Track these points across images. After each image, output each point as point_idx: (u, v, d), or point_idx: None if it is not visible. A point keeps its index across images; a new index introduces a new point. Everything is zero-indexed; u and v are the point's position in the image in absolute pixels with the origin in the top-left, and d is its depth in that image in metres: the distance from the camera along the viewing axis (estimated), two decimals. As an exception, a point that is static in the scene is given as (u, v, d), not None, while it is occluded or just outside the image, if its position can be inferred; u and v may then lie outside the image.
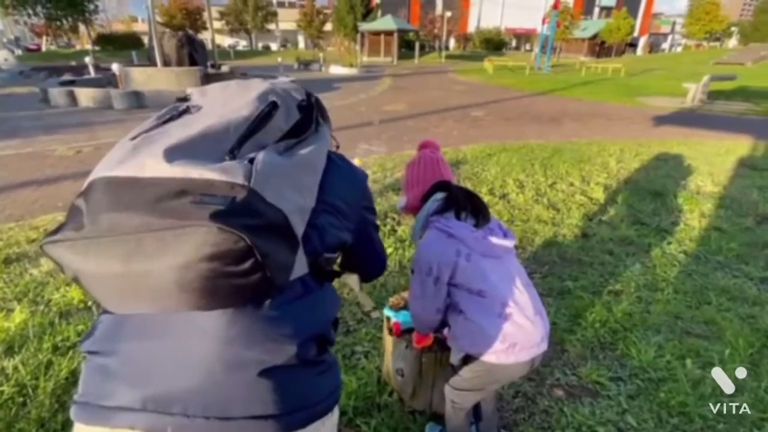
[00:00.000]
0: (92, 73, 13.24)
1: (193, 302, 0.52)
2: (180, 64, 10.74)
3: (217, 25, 35.35)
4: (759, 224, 3.51)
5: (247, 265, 0.49)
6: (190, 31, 15.45)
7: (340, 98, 10.85)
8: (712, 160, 5.43)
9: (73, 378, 1.78)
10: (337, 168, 0.75)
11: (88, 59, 14.28)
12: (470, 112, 9.04)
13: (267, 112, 0.62)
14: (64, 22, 33.84)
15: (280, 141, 0.62)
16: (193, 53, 10.99)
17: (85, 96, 9.03)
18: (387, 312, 1.69)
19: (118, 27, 50.84)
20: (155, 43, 10.21)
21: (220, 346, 0.58)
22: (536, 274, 2.68)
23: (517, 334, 1.12)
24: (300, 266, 0.61)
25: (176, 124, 0.61)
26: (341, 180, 0.75)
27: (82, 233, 0.49)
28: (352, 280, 0.89)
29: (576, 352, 2.02)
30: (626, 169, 4.96)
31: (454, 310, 1.20)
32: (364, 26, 30.96)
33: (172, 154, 0.52)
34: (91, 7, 33.59)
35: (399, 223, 3.31)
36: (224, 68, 12.82)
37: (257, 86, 0.68)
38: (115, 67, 10.16)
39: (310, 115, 0.70)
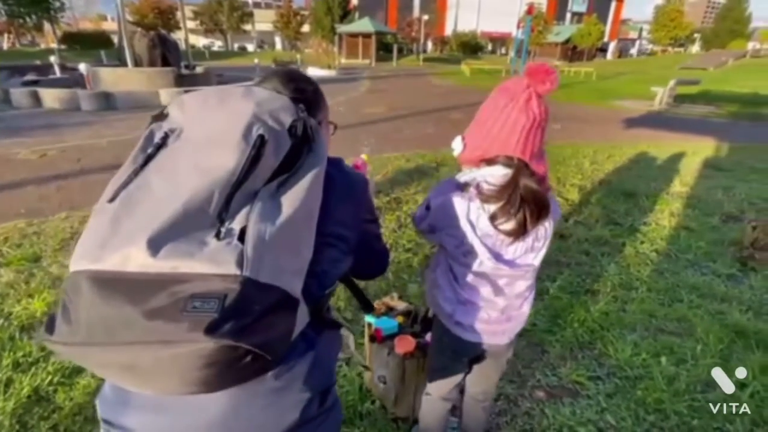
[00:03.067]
0: (58, 73, 12.70)
1: (194, 390, 0.52)
2: (152, 64, 10.41)
3: (190, 24, 34.61)
4: (725, 223, 3.65)
5: (246, 360, 0.49)
6: (163, 31, 14.99)
7: (319, 100, 10.71)
8: (680, 161, 5.65)
9: (35, 396, 1.68)
10: (334, 186, 0.70)
11: (53, 58, 13.72)
12: (449, 115, 9.12)
13: (254, 156, 0.55)
14: (28, 19, 32.40)
15: (271, 179, 0.57)
16: (165, 53, 10.66)
17: (51, 97, 8.64)
18: (368, 318, 1.66)
19: (86, 25, 49.07)
20: (126, 43, 9.86)
21: (223, 422, 0.60)
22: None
23: (466, 320, 1.11)
24: (301, 319, 0.59)
25: (156, 169, 0.55)
26: (339, 200, 0.72)
27: (78, 338, 0.48)
28: (350, 340, 0.87)
29: (556, 352, 2.04)
30: (600, 171, 5.09)
31: (432, 264, 1.19)
32: (342, 28, 30.90)
33: (156, 241, 0.48)
34: (57, 4, 32.28)
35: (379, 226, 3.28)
36: (199, 69, 12.50)
37: (241, 109, 0.59)
38: (82, 66, 9.77)
39: (302, 136, 0.62)
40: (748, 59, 28.22)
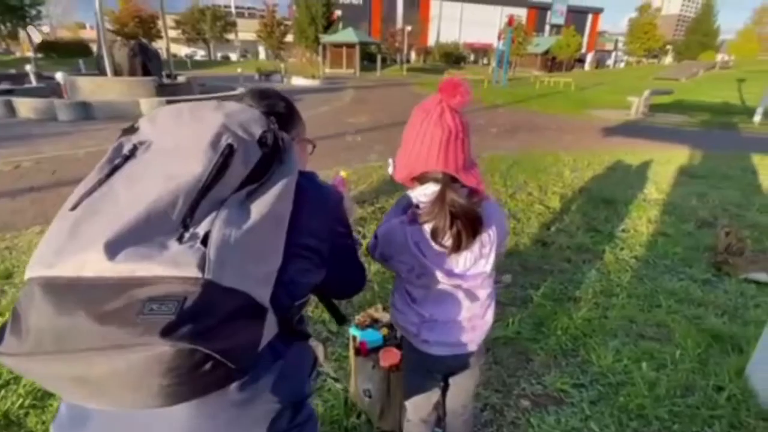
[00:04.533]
0: (34, 82, 12.41)
1: (152, 404, 0.49)
2: (132, 73, 10.27)
3: (172, 34, 34.22)
4: (699, 228, 3.77)
5: (207, 367, 0.46)
6: (144, 40, 14.77)
7: (302, 110, 10.68)
8: (656, 169, 5.82)
9: (5, 420, 1.60)
10: (305, 197, 0.69)
11: (29, 67, 13.40)
12: (432, 124, 9.25)
13: (222, 164, 0.55)
14: (2, 27, 31.63)
15: (240, 188, 0.57)
16: (146, 63, 10.55)
17: (25, 106, 8.43)
18: (353, 331, 1.65)
19: (64, 34, 48.12)
20: (105, 52, 9.72)
21: None
22: (499, 284, 2.73)
23: (432, 336, 1.12)
24: (270, 329, 0.57)
25: (122, 177, 0.55)
26: (310, 212, 0.71)
27: (26, 348, 0.45)
28: (318, 350, 0.84)
29: (540, 360, 2.06)
30: (580, 179, 5.21)
31: (393, 288, 1.20)
32: (326, 38, 31.02)
33: (115, 245, 0.46)
34: (33, 12, 31.63)
35: (365, 237, 3.28)
36: (180, 78, 12.38)
37: (211, 120, 0.60)
38: (59, 75, 9.55)
39: (274, 148, 0.63)
40: (717, 70, 29.38)
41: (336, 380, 1.67)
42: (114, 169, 0.56)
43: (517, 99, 15.65)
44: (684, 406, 1.79)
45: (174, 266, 0.46)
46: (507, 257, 3.11)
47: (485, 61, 50.05)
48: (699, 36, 49.95)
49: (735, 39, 55.21)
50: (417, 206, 1.02)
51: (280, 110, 0.83)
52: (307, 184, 0.71)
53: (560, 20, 53.60)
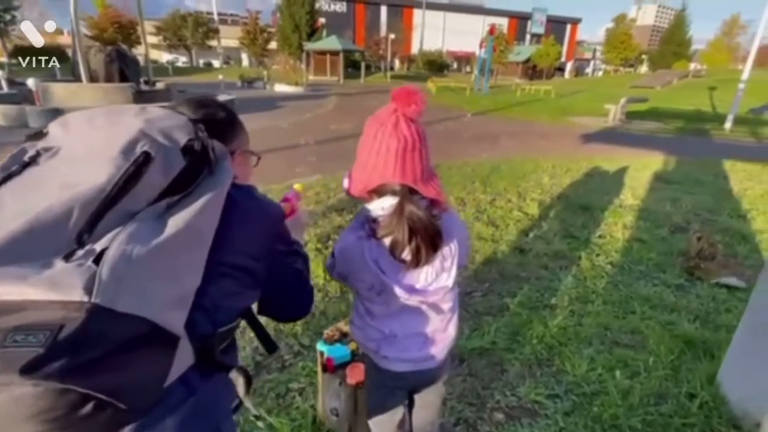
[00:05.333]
0: (5, 88, 12.04)
1: None
2: (109, 80, 10.05)
3: (153, 40, 33.77)
4: (673, 233, 3.83)
5: (87, 409, 0.40)
6: (123, 46, 14.49)
7: (286, 117, 10.67)
8: (632, 175, 5.93)
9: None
10: (238, 212, 0.63)
11: (0, 73, 12.99)
12: (414, 131, 9.26)
13: (133, 172, 0.49)
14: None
15: (159, 200, 0.51)
16: (123, 69, 10.33)
17: (-6, 113, 8.15)
18: (320, 346, 1.59)
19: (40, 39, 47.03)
20: (80, 57, 9.48)
21: None
22: (476, 293, 2.70)
23: (392, 352, 1.08)
24: (183, 359, 0.50)
25: (14, 187, 0.48)
26: (242, 228, 0.64)
27: None
28: (238, 383, 0.73)
29: (515, 371, 2.03)
30: (558, 185, 5.26)
31: (353, 304, 1.17)
32: (310, 46, 31.04)
33: None
34: (7, 17, 30.86)
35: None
36: (159, 85, 12.17)
37: (128, 125, 0.54)
38: (30, 82, 9.27)
39: (201, 157, 0.57)
40: (690, 79, 30.42)
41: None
42: (7, 178, 0.49)
43: (498, 106, 15.86)
44: (657, 414, 1.78)
45: (52, 288, 0.39)
46: (485, 265, 3.10)
47: (468, 69, 50.76)
48: (673, 46, 51.71)
49: (706, 49, 57.37)
50: (375, 220, 0.97)
51: (219, 119, 0.77)
52: (240, 197, 0.65)
53: (540, 30, 54.87)
